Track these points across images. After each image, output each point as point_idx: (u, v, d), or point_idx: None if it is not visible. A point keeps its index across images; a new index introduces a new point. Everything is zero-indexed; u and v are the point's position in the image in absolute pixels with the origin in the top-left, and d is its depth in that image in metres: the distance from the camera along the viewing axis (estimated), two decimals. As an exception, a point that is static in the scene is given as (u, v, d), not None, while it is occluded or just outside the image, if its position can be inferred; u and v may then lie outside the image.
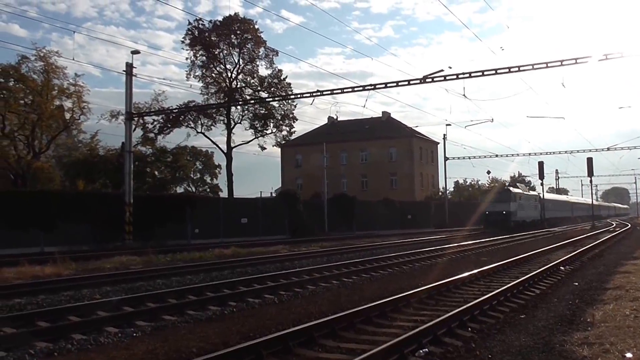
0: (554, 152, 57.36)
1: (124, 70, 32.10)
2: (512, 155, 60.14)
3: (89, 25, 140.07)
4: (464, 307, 9.10)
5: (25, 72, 38.65)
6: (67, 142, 44.93)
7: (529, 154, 56.96)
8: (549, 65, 23.94)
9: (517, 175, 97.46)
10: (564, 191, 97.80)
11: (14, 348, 7.48)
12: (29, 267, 16.47)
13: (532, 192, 58.40)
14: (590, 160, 52.25)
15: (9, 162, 38.04)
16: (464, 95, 27.98)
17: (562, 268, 16.03)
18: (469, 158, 58.07)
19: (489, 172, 64.55)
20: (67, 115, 41.56)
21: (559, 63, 23.71)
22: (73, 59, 50.37)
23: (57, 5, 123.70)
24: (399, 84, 27.00)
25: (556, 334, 7.79)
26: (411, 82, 26.73)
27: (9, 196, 29.71)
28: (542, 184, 59.46)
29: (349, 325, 8.37)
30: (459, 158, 59.63)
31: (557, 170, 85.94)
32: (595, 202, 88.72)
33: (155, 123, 50.36)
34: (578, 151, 54.76)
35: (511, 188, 50.17)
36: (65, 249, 22.56)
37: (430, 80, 25.95)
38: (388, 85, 27.30)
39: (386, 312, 9.37)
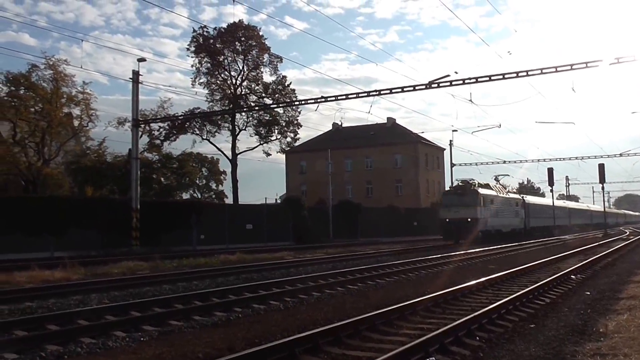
0: (564, 158, 56.43)
1: (130, 78, 32.35)
2: (521, 161, 58.90)
3: (96, 33, 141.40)
4: (472, 315, 9.03)
5: (35, 80, 39.04)
6: (75, 149, 45.18)
7: (538, 160, 56.37)
8: (558, 69, 23.83)
9: (526, 182, 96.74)
10: (574, 198, 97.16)
11: (25, 350, 7.60)
12: (40, 271, 16.75)
13: (512, 195, 49.45)
14: (601, 167, 51.56)
15: (20, 168, 38.41)
16: (470, 100, 27.94)
17: (573, 277, 15.83)
18: (476, 164, 57.50)
19: (496, 179, 63.35)
20: (76, 123, 41.90)
21: (569, 67, 23.56)
22: (81, 67, 51.20)
23: (65, 15, 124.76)
24: (404, 89, 26.99)
25: (567, 345, 7.69)
26: (416, 88, 26.70)
27: (20, 202, 30.05)
28: (551, 191, 58.53)
29: (355, 333, 8.33)
30: (465, 164, 59.23)
31: (567, 177, 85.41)
32: (600, 209, 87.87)
33: (161, 130, 50.72)
34: (589, 157, 53.65)
35: (479, 189, 40.34)
36: (74, 254, 22.74)
37: (436, 85, 25.92)
38: (393, 90, 27.29)
39: (392, 320, 9.33)
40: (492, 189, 43.35)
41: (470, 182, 40.69)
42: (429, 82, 26.07)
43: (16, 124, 38.04)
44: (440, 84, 25.86)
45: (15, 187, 39.26)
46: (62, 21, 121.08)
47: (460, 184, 42.24)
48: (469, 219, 36.98)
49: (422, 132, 74.47)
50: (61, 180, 41.68)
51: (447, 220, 38.11)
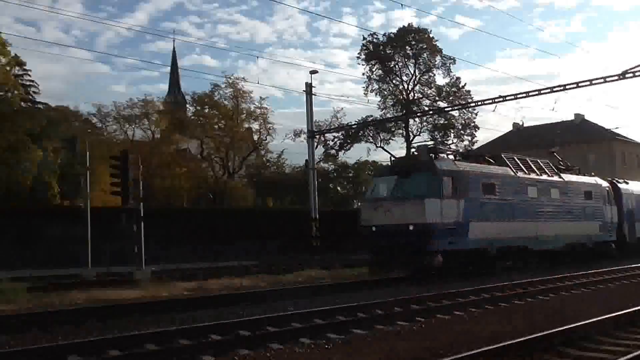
0: None
1: (304, 90, 33.71)
2: None
3: (270, 50, 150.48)
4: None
5: (218, 99, 42.68)
6: (256, 162, 48.38)
7: None
8: None
9: None
10: None
11: (220, 353, 8.11)
12: (229, 279, 17.94)
13: (571, 177, 26.39)
14: None
15: (208, 182, 42.12)
16: (674, 88, 24.68)
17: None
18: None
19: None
20: (255, 137, 44.99)
21: None
22: (258, 83, 54.70)
23: (241, 34, 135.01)
24: (593, 82, 24.84)
25: None
26: (607, 80, 24.42)
27: (210, 213, 32.83)
28: None
29: (547, 347, 7.72)
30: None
31: None
32: None
33: (335, 140, 51.77)
34: None
35: (443, 160, 19.41)
36: (258, 262, 24.08)
37: (631, 75, 23.53)
38: (580, 84, 25.27)
39: (589, 336, 8.50)
40: (499, 162, 21.75)
41: (432, 147, 20.87)
42: (623, 72, 23.79)
43: (203, 141, 41.89)
44: (636, 74, 23.41)
45: (204, 200, 43.15)
46: (239, 41, 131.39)
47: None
48: (411, 227, 17.43)
49: (617, 128, 67.23)
50: (245, 192, 44.87)
51: (374, 228, 18.64)
